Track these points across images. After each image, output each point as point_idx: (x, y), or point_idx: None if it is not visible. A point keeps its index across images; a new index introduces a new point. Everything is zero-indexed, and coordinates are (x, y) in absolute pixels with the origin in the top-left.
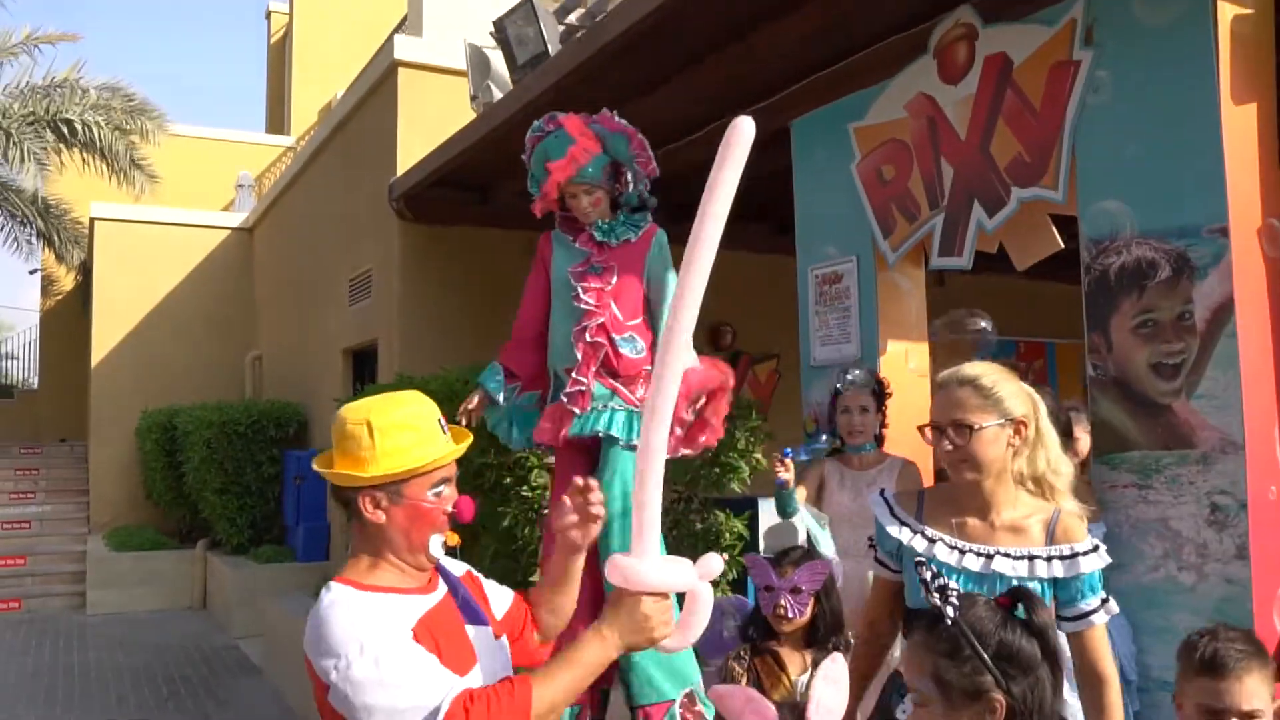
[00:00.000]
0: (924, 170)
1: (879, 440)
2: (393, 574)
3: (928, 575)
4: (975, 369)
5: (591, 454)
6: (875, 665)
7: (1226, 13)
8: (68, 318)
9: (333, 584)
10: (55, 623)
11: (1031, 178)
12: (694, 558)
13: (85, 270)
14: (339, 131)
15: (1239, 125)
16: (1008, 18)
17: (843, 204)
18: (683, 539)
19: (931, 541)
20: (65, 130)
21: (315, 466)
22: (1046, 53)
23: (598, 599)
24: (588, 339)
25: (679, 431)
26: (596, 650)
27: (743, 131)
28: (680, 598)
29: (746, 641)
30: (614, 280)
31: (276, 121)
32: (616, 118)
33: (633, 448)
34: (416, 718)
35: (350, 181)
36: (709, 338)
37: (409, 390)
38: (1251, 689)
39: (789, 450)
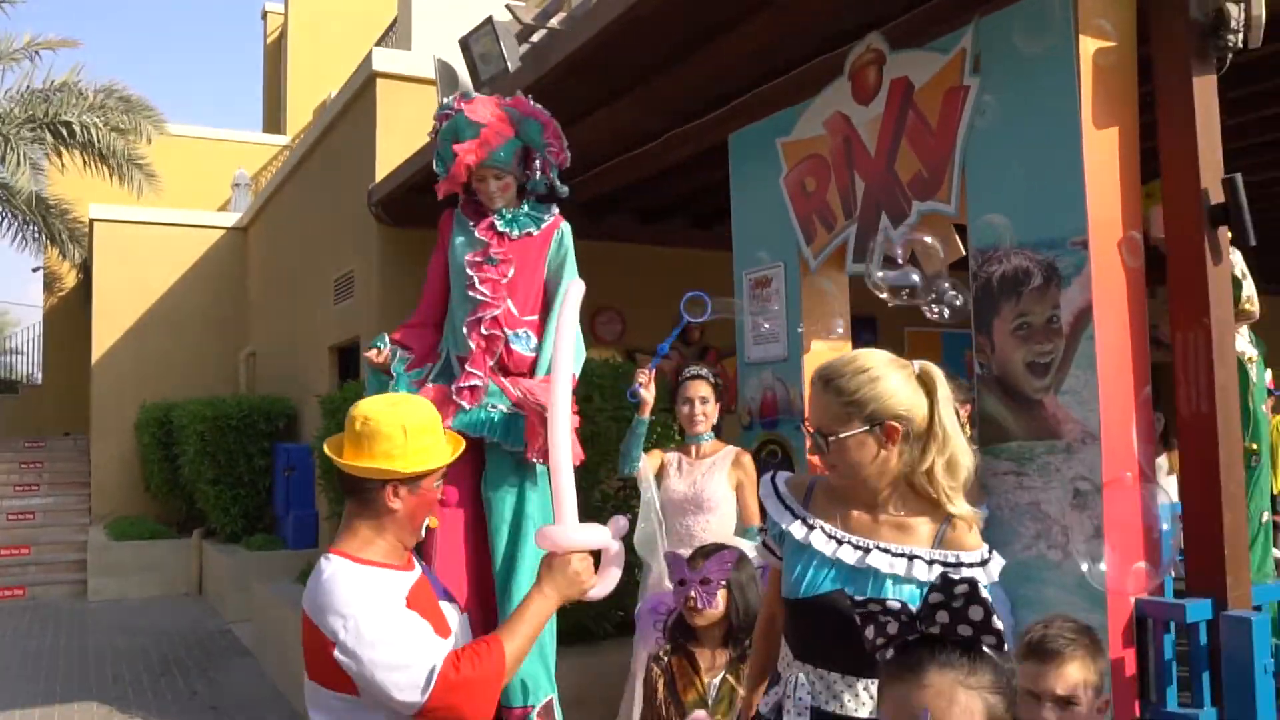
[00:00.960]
0: (840, 183)
1: (716, 431)
2: (383, 551)
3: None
4: (840, 366)
5: (474, 444)
6: (774, 658)
7: (1089, 45)
8: (70, 314)
9: (331, 555)
10: (58, 609)
11: (929, 192)
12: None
13: (86, 268)
14: (325, 137)
15: (1100, 148)
16: (910, 45)
17: (772, 213)
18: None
19: (810, 528)
20: (64, 132)
21: (342, 460)
22: (942, 78)
23: (486, 581)
24: (482, 331)
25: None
26: (541, 605)
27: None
28: (597, 556)
29: (669, 641)
30: (511, 273)
31: (273, 120)
32: (532, 102)
33: (510, 453)
34: (416, 671)
35: (334, 185)
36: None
37: (419, 397)
38: (1071, 676)
39: (655, 360)
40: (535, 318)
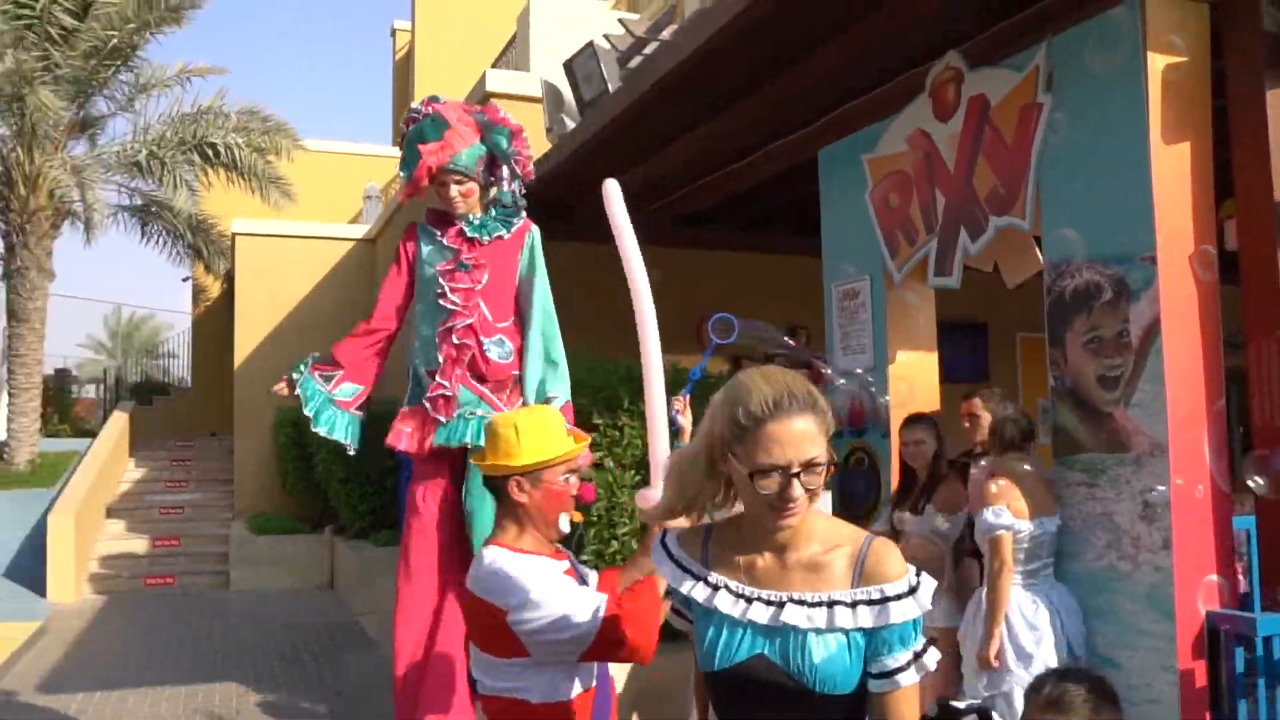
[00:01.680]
0: (921, 198)
1: None
2: (532, 542)
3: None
4: (795, 382)
5: (456, 458)
6: None
7: (1158, 61)
8: (215, 321)
9: (490, 547)
10: (202, 597)
11: (1005, 207)
12: None
13: (229, 278)
14: None
15: (1169, 163)
16: (987, 63)
17: (858, 227)
18: None
19: (714, 589)
20: (210, 153)
21: (472, 461)
22: (1017, 95)
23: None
24: (454, 340)
25: None
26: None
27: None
28: None
29: None
30: (484, 279)
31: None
32: (502, 113)
33: None
34: (582, 611)
35: None
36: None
37: (541, 405)
38: None
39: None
40: (509, 323)
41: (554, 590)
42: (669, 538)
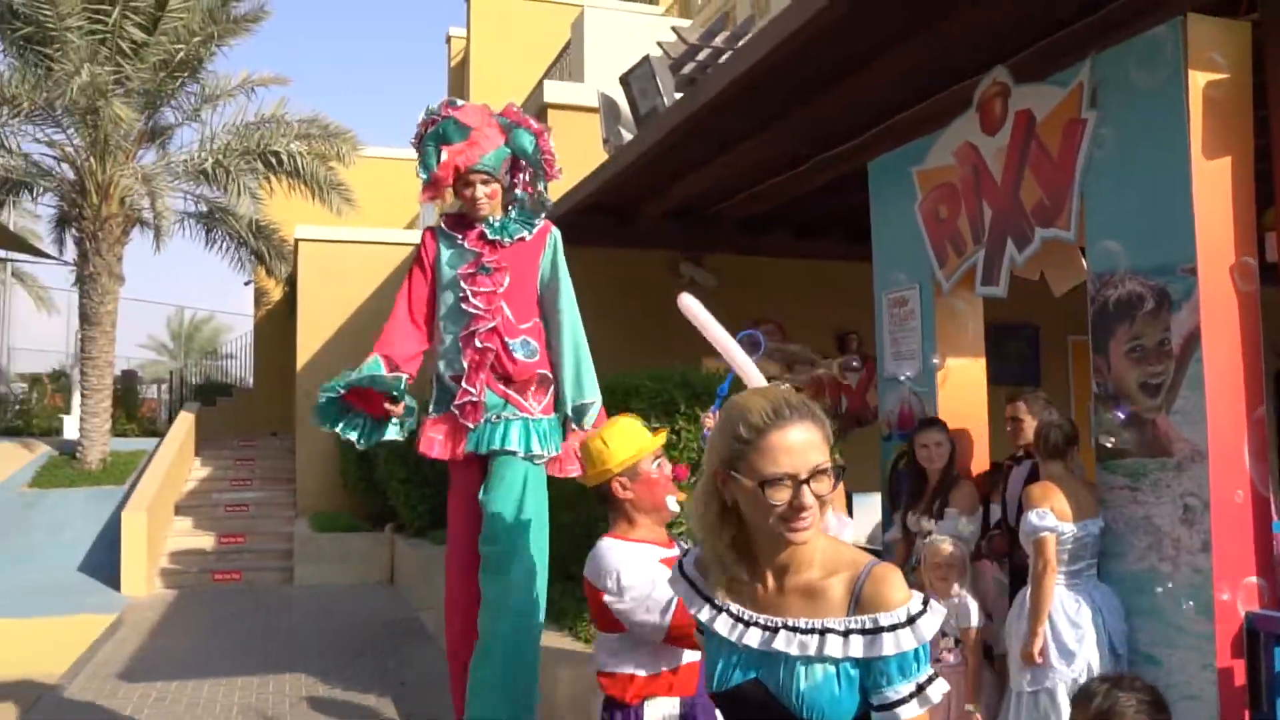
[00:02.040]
0: (969, 210)
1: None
2: (645, 532)
3: None
4: (790, 394)
5: (486, 460)
6: None
7: (1199, 78)
8: (276, 324)
9: (604, 538)
10: (268, 592)
11: (1051, 219)
12: None
13: (290, 282)
14: None
15: (1210, 177)
16: (1032, 78)
17: (908, 237)
18: None
19: (717, 611)
20: (273, 160)
21: (582, 481)
22: (1062, 110)
23: (474, 605)
24: (477, 344)
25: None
26: None
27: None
28: None
29: None
30: (506, 281)
31: None
32: (524, 114)
33: (530, 459)
34: (657, 603)
35: None
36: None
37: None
38: None
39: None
40: (532, 323)
41: (643, 577)
42: (687, 559)
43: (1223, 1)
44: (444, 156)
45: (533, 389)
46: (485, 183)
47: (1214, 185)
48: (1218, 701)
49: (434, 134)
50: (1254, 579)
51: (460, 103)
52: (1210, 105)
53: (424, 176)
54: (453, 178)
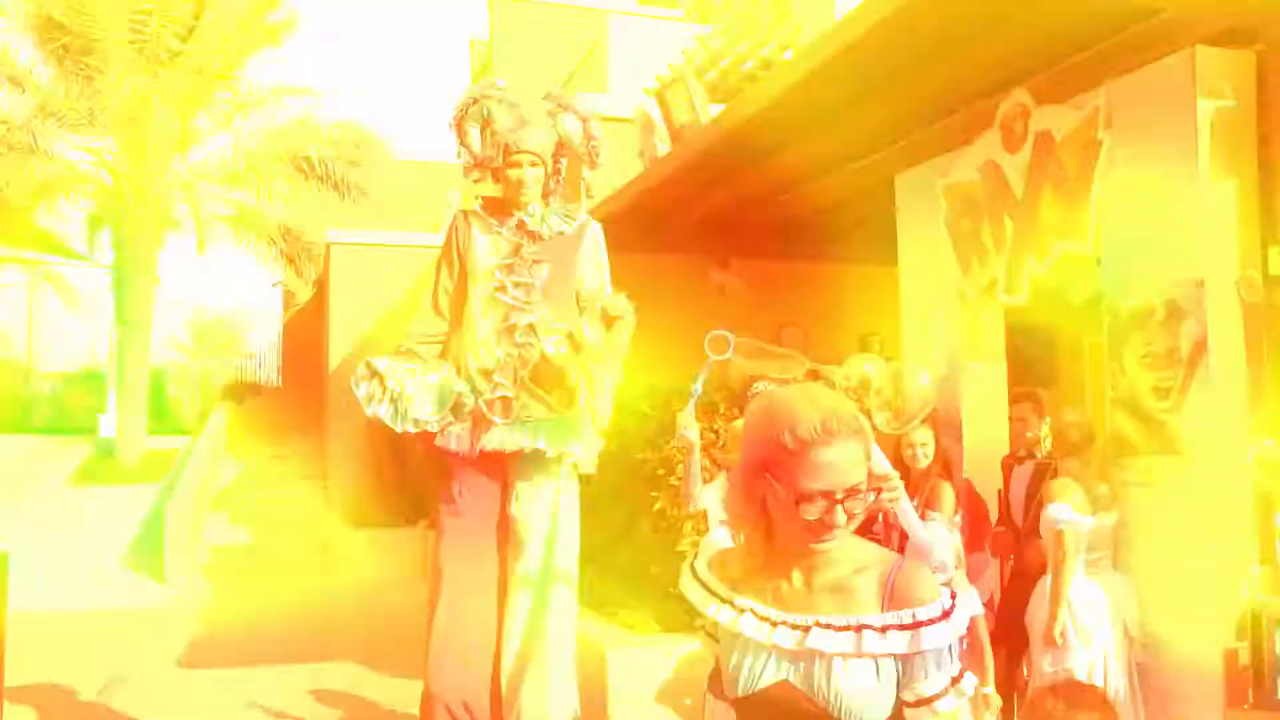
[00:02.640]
0: (992, 223)
1: None
2: None
3: None
4: (841, 405)
5: (504, 461)
6: None
7: (1207, 106)
8: (305, 325)
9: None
10: (307, 587)
11: (1068, 233)
12: None
13: (319, 284)
14: None
15: (1217, 197)
16: (1052, 101)
17: (933, 248)
18: None
19: (740, 612)
20: (304, 165)
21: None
22: (1079, 132)
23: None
24: (517, 339)
25: None
26: None
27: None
28: None
29: None
30: (545, 275)
31: None
32: (567, 94)
33: (560, 459)
34: None
35: None
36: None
37: None
38: None
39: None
40: (569, 319)
41: None
42: (699, 560)
43: (1228, 31)
44: (490, 135)
45: (564, 386)
46: (533, 164)
47: (1221, 204)
48: (1223, 681)
49: (477, 112)
50: (1258, 566)
51: (503, 83)
52: (1218, 130)
53: (464, 156)
54: (503, 157)
